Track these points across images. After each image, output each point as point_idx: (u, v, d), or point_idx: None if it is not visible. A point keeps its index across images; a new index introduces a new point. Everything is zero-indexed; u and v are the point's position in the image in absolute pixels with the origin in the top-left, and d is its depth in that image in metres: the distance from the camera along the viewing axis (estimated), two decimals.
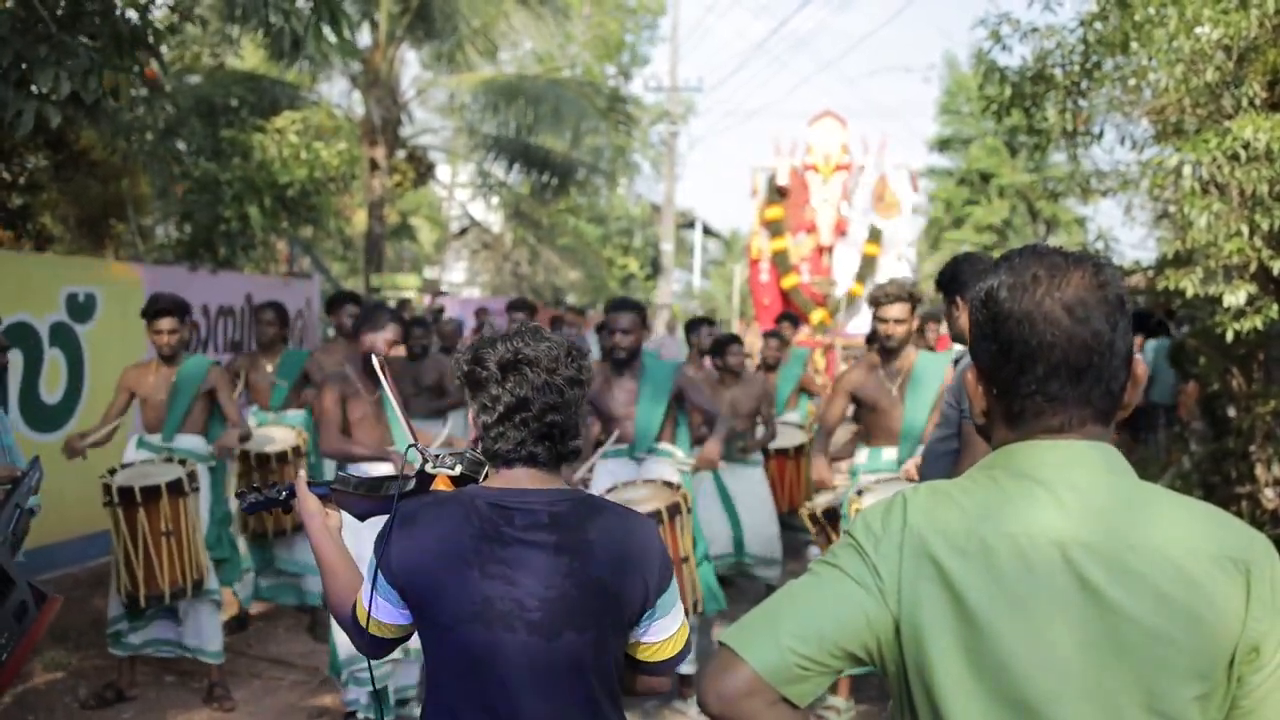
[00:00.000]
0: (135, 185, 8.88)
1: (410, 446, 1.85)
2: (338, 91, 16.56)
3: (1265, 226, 4.42)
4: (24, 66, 4.61)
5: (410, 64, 28.67)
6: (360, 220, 14.54)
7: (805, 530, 7.21)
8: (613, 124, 15.15)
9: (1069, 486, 1.16)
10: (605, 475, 4.45)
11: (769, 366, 7.15)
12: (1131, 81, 5.27)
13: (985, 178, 27.13)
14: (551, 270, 20.76)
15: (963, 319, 3.13)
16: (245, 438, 4.93)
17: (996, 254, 2.10)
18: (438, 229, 23.99)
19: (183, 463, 4.45)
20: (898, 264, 15.76)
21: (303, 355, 5.94)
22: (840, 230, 16.00)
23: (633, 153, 24.30)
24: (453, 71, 14.25)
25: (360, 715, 4.10)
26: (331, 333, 7.36)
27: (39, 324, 5.84)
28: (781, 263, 16.01)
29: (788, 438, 6.65)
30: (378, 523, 1.81)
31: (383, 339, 4.11)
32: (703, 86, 33.35)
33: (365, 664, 3.76)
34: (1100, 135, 5.91)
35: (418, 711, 3.14)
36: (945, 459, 3.05)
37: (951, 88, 28.27)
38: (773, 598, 1.25)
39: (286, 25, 5.02)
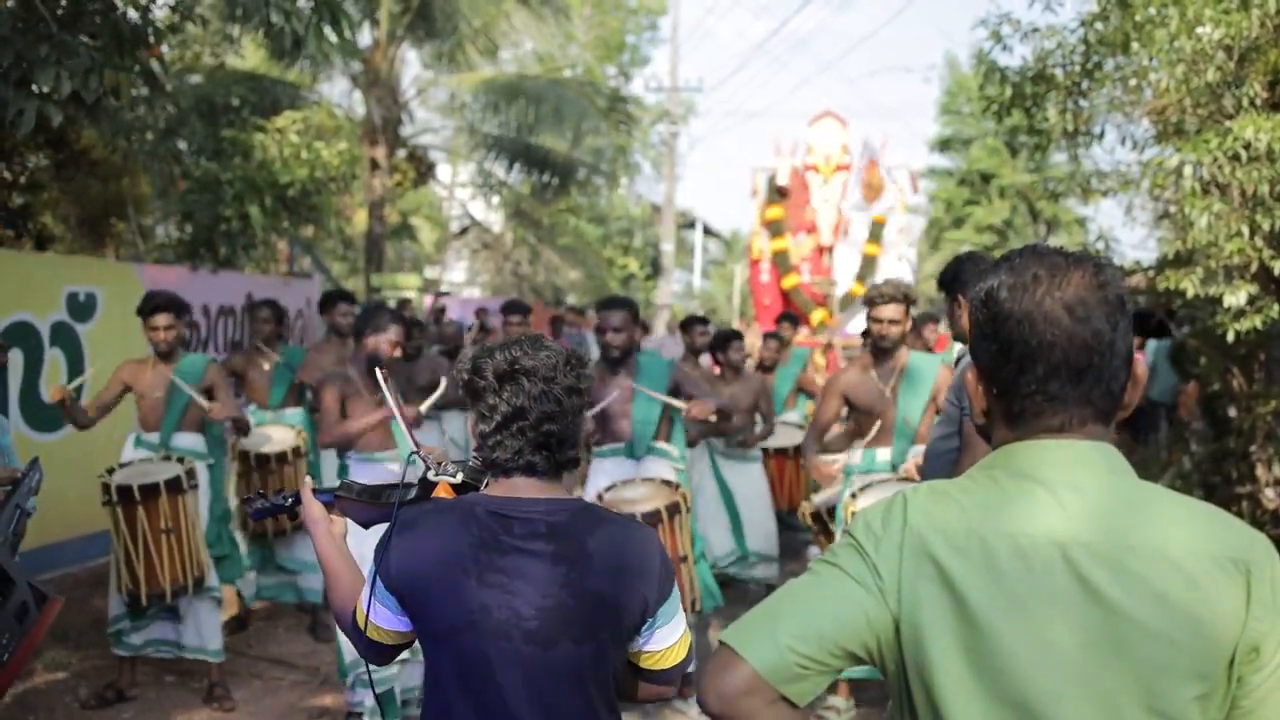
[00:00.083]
0: (136, 185, 8.88)
1: (412, 454, 1.86)
2: (338, 91, 16.58)
3: (1266, 227, 4.42)
4: (25, 66, 4.61)
5: (411, 64, 28.66)
6: (361, 220, 14.54)
7: (805, 530, 7.23)
8: (613, 124, 15.15)
9: (1069, 486, 1.16)
10: (602, 475, 4.44)
11: (766, 368, 7.17)
12: (1132, 81, 5.27)
13: (986, 178, 27.12)
14: (552, 270, 20.75)
15: (965, 318, 3.13)
16: (244, 430, 4.93)
17: (997, 254, 2.10)
18: (438, 229, 23.98)
19: (181, 460, 4.45)
20: (898, 264, 15.75)
21: (299, 352, 5.94)
22: (840, 230, 16.00)
23: (633, 153, 24.29)
24: (453, 71, 14.25)
25: (366, 718, 4.10)
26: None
27: (40, 323, 5.84)
28: (782, 263, 16.00)
29: (787, 437, 6.66)
30: (383, 529, 1.82)
31: (385, 341, 4.10)
32: (703, 87, 33.43)
33: (367, 667, 3.77)
34: (1101, 135, 5.90)
35: (418, 712, 3.14)
36: (947, 457, 3.05)
37: (952, 88, 28.27)
38: (772, 597, 1.25)
39: (287, 25, 5.02)
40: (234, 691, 4.55)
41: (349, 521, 1.99)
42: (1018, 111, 5.93)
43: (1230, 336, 4.69)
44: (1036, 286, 1.18)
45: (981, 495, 1.20)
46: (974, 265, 3.22)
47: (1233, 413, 5.94)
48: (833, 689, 4.48)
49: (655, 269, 26.58)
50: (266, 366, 5.73)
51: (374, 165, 13.16)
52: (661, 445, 4.54)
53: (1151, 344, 7.98)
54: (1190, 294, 4.80)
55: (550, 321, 11.69)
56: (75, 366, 6.04)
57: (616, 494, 4.21)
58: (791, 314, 9.66)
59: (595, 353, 5.42)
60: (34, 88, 4.72)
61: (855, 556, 1.22)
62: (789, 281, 15.95)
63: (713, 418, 4.52)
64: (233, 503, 5.38)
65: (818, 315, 15.52)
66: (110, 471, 4.37)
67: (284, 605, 5.78)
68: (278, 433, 5.50)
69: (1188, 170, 4.53)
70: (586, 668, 1.67)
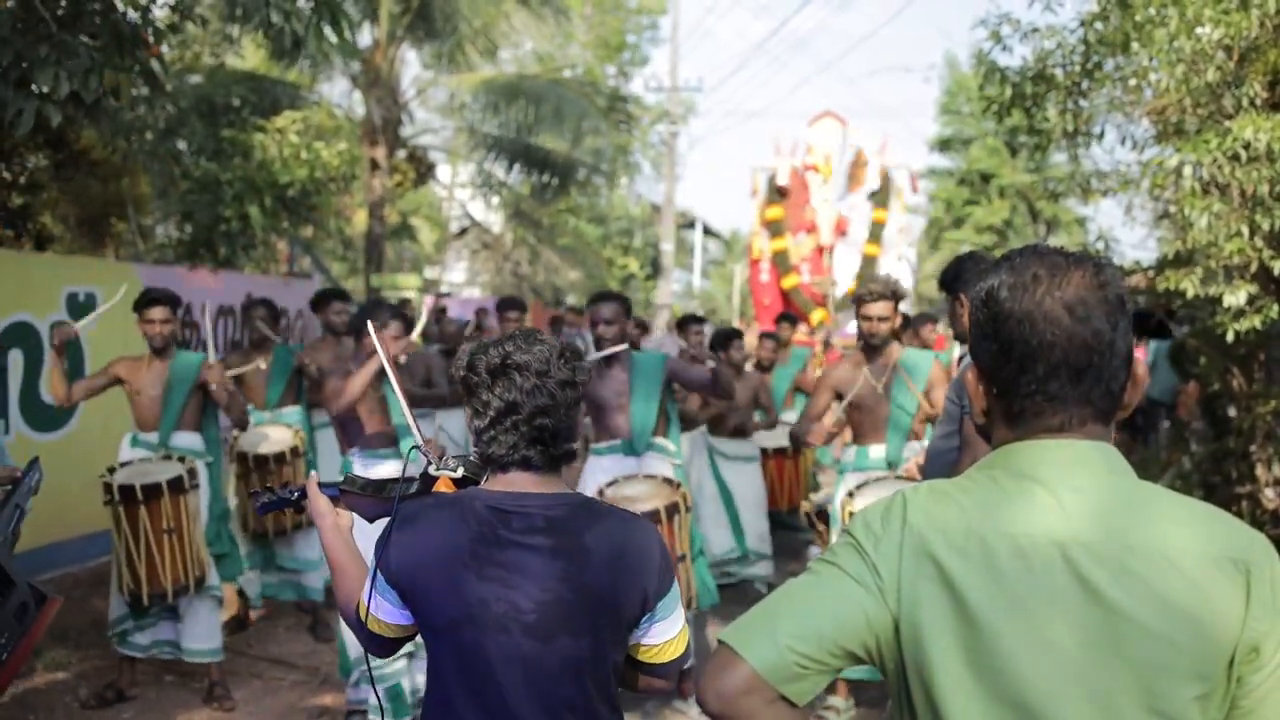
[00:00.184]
0: (135, 185, 8.88)
1: (414, 448, 1.87)
2: (338, 91, 16.57)
3: (1266, 227, 4.42)
4: (24, 66, 4.61)
5: (411, 64, 28.66)
6: (360, 220, 14.53)
7: (805, 530, 7.24)
8: (613, 124, 15.15)
9: (1069, 486, 1.16)
10: (600, 473, 4.44)
11: (764, 367, 7.18)
12: (1132, 81, 5.27)
13: (986, 178, 27.12)
14: (552, 270, 20.75)
15: (966, 317, 3.13)
16: (241, 424, 4.92)
17: (997, 254, 2.10)
18: (438, 229, 23.97)
19: (181, 460, 4.45)
20: (898, 264, 15.75)
21: (294, 350, 5.93)
22: (840, 230, 16.00)
23: (633, 153, 24.29)
24: (453, 71, 14.24)
25: (371, 716, 4.10)
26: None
27: (39, 324, 5.84)
28: (782, 263, 16.00)
29: (786, 437, 6.66)
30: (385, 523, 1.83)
31: (387, 336, 4.11)
32: (703, 87, 33.36)
33: (375, 663, 3.77)
34: (1101, 135, 5.90)
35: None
36: (947, 457, 3.05)
37: (952, 88, 28.26)
38: (772, 596, 1.25)
39: (287, 25, 5.02)
40: (234, 691, 4.55)
41: (355, 517, 2.00)
42: (1018, 111, 5.93)
43: (1230, 336, 4.69)
44: (1037, 286, 1.18)
45: (981, 495, 1.20)
46: (975, 265, 3.22)
47: (1233, 413, 5.94)
48: (832, 689, 4.48)
49: (655, 269, 26.57)
50: (263, 366, 5.73)
51: (374, 165, 13.16)
52: (660, 441, 4.54)
53: (1151, 344, 7.98)
54: (1190, 294, 4.80)
55: (550, 321, 11.69)
56: (75, 367, 6.04)
57: (617, 490, 4.21)
58: (790, 314, 9.67)
59: (594, 352, 5.41)
60: (33, 88, 4.72)
61: (855, 556, 1.22)
62: (789, 281, 15.95)
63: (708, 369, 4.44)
64: (232, 503, 5.38)
65: (817, 315, 15.52)
66: (111, 471, 4.36)
67: (284, 605, 5.78)
68: (275, 433, 5.50)
69: (1187, 170, 4.53)
70: (585, 661, 1.67)
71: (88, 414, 5.95)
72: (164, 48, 5.64)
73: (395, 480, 1.89)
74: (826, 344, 11.58)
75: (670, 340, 13.25)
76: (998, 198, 26.86)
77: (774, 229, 16.25)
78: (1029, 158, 22.48)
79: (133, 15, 5.14)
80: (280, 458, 5.36)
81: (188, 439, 4.66)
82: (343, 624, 4.14)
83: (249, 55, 12.94)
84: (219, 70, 10.65)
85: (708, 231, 37.68)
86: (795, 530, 7.07)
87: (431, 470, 1.86)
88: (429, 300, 13.51)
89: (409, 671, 4.10)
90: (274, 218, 8.31)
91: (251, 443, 5.37)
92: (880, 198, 15.89)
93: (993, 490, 1.19)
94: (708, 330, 6.69)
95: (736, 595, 5.97)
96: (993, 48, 5.73)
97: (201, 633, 4.48)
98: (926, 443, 3.90)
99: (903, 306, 6.44)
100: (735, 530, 6.08)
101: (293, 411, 5.72)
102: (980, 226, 26.38)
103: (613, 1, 27.45)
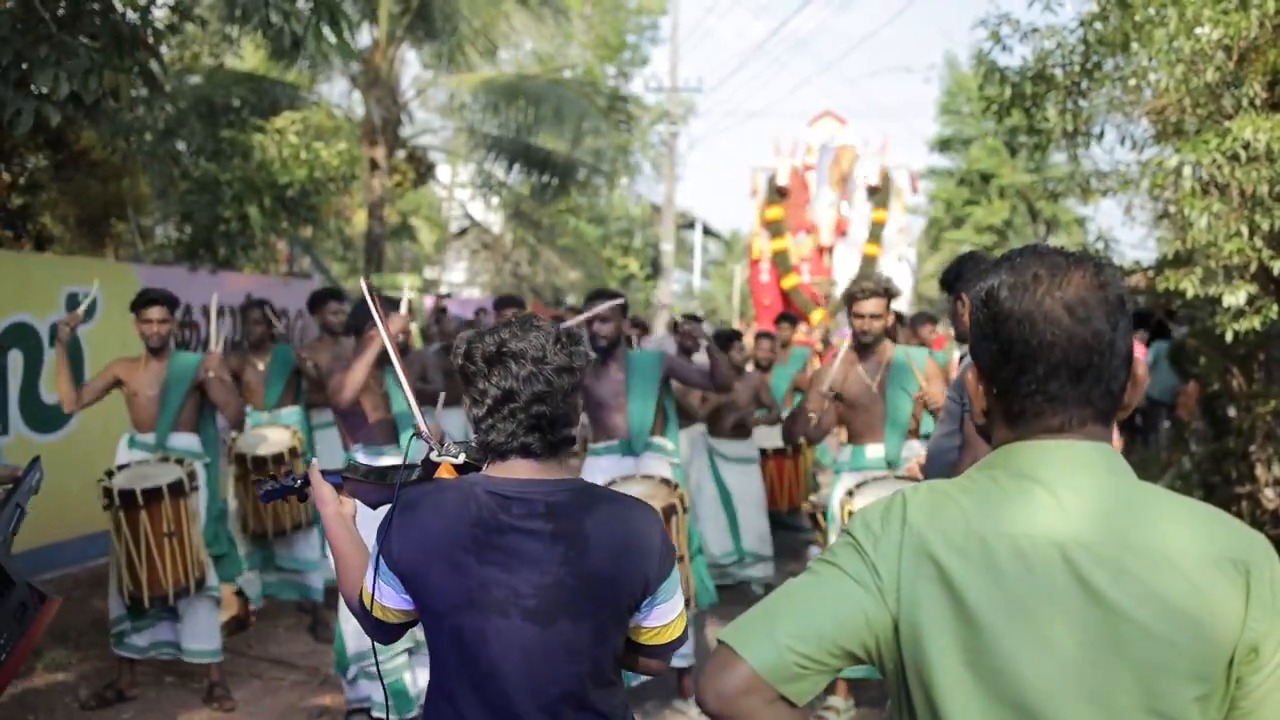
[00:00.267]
0: (135, 185, 8.88)
1: (414, 435, 1.88)
2: (338, 91, 16.57)
3: (1265, 227, 4.42)
4: (24, 66, 4.61)
5: (410, 64, 28.70)
6: (360, 220, 14.53)
7: (805, 530, 7.24)
8: (613, 124, 15.14)
9: (1069, 487, 1.16)
10: (598, 473, 4.44)
11: (762, 367, 7.19)
12: (1132, 82, 5.27)
13: (985, 178, 27.12)
14: (551, 270, 20.75)
15: (967, 317, 3.13)
16: (239, 424, 4.92)
17: (997, 254, 2.11)
18: (438, 229, 23.97)
19: (180, 462, 4.45)
20: (898, 264, 15.76)
21: (290, 350, 5.93)
22: (840, 230, 16.01)
23: (633, 153, 24.29)
24: (453, 71, 14.23)
25: (374, 713, 4.09)
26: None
27: (39, 324, 5.84)
28: (782, 263, 16.02)
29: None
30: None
31: (388, 320, 4.11)
32: (703, 87, 33.41)
33: (375, 659, 3.78)
34: (1100, 135, 5.91)
35: None
36: (948, 456, 3.05)
37: (952, 88, 28.26)
38: (771, 596, 1.25)
39: (286, 25, 5.02)
40: (234, 691, 4.55)
41: (359, 504, 2.01)
42: (1017, 111, 5.93)
43: (1230, 336, 4.70)
44: (1037, 286, 1.18)
45: (981, 495, 1.20)
46: (976, 265, 3.22)
47: (1232, 413, 5.94)
48: (832, 689, 4.48)
49: (655, 269, 26.56)
50: (261, 366, 5.73)
51: (373, 166, 13.15)
52: (658, 440, 4.54)
53: (1151, 343, 7.98)
54: (1190, 294, 4.80)
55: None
56: (75, 367, 6.03)
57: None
58: (790, 314, 9.67)
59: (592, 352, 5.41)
60: (33, 88, 4.72)
61: (854, 556, 1.22)
62: (789, 281, 15.96)
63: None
64: (231, 504, 5.38)
65: (817, 315, 15.53)
66: (110, 474, 4.36)
67: (284, 605, 5.78)
68: (274, 434, 5.49)
69: (1187, 170, 4.53)
70: (586, 646, 1.68)
71: (87, 415, 5.93)
72: (163, 48, 5.63)
73: (397, 467, 1.90)
74: (825, 343, 11.56)
75: (670, 341, 13.26)
76: (998, 198, 26.86)
77: (774, 229, 16.26)
78: (1029, 158, 22.48)
79: (132, 16, 5.13)
80: (279, 459, 5.35)
81: (185, 439, 4.65)
82: (341, 620, 4.15)
83: (248, 56, 12.94)
84: (218, 71, 10.64)
85: (708, 232, 37.68)
86: (795, 530, 7.08)
87: (433, 456, 1.87)
88: (429, 301, 13.52)
89: (410, 667, 4.10)
90: (273, 218, 8.31)
91: (250, 444, 5.36)
92: (880, 198, 15.90)
93: (993, 490, 1.19)
94: (706, 329, 6.69)
95: (735, 596, 5.98)
96: (992, 48, 5.73)
97: (201, 633, 4.47)
98: (926, 439, 3.91)
99: (902, 307, 6.45)
100: (733, 533, 6.09)
101: (291, 412, 5.71)
102: (980, 226, 26.38)
103: (613, 1, 27.45)
